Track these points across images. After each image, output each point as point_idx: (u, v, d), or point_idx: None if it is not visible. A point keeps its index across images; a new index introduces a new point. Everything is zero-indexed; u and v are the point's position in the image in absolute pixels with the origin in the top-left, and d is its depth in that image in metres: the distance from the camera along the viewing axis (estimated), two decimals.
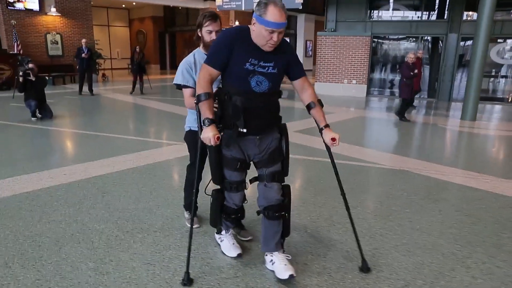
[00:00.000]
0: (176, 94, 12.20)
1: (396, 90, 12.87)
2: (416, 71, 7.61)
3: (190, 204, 2.55)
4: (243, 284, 2.21)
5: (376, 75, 13.04)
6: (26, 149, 5.25)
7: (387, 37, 12.51)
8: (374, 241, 2.78)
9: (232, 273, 2.32)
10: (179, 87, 2.50)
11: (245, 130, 2.04)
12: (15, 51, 12.51)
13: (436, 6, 11.68)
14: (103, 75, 16.05)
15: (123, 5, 21.11)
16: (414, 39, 12.06)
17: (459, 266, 2.48)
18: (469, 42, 10.99)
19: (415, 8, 11.95)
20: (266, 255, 2.34)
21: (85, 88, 10.89)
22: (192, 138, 2.64)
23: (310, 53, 22.94)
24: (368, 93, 12.13)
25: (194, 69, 2.45)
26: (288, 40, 2.18)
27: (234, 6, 12.37)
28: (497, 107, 10.71)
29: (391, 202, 3.53)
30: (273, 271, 2.27)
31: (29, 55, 12.36)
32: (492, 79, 12.03)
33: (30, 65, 7.31)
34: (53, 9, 13.62)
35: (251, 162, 2.28)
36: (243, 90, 2.02)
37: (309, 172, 4.33)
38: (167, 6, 20.02)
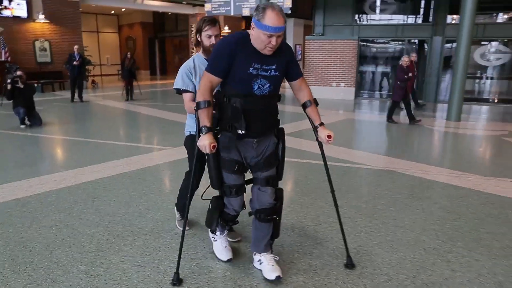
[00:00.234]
0: (167, 100, 12.24)
1: (384, 93, 13.10)
2: (410, 74, 7.69)
3: (183, 207, 2.62)
4: (231, 282, 2.28)
5: (364, 78, 13.25)
6: (15, 157, 5.24)
7: (375, 40, 12.71)
8: (359, 238, 2.87)
9: (221, 273, 2.38)
10: (179, 91, 2.51)
11: (243, 132, 2.05)
12: (3, 59, 12.43)
13: (421, 10, 11.93)
14: (93, 81, 16.01)
15: (112, 11, 21.11)
16: (401, 42, 12.29)
17: (440, 260, 2.58)
18: (454, 45, 11.25)
19: (401, 12, 12.20)
20: (255, 255, 2.41)
21: (76, 95, 10.86)
22: (192, 142, 2.59)
23: (300, 57, 23.14)
24: (357, 95, 12.31)
25: (194, 73, 2.47)
26: None
27: (223, 11, 12.47)
28: (482, 107, 10.96)
29: (376, 201, 3.63)
30: (260, 270, 2.34)
31: (17, 62, 12.28)
32: (477, 80, 12.31)
33: (18, 72, 7.30)
34: (41, 16, 13.58)
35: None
36: (244, 93, 2.03)
37: (296, 174, 4.42)
38: (156, 12, 20.09)
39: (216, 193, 2.41)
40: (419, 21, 11.95)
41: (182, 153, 5.16)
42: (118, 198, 3.58)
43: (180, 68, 2.51)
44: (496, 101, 11.74)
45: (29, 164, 4.81)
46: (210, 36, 2.44)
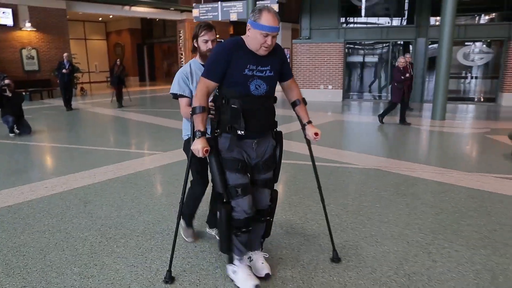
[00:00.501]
0: (156, 105, 12.28)
1: (371, 94, 13.33)
2: (407, 75, 7.78)
3: (188, 215, 2.74)
4: (221, 279, 2.36)
5: (352, 80, 13.47)
6: (5, 165, 5.25)
7: (362, 42, 12.94)
8: (344, 234, 2.98)
9: (212, 269, 2.46)
10: (175, 96, 2.52)
11: (243, 132, 2.08)
12: None
13: (405, 12, 12.21)
14: (82, 89, 15.95)
15: (100, 18, 21.06)
16: (386, 44, 12.54)
17: (422, 252, 2.70)
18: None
19: (386, 15, 12.47)
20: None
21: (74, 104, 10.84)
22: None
23: (288, 61, 23.39)
24: (344, 97, 12.51)
25: (190, 78, 2.48)
26: None
27: (211, 16, 12.57)
28: (466, 106, 11.24)
29: (362, 198, 3.75)
30: (250, 267, 2.42)
31: (4, 71, 12.17)
32: (461, 80, 12.61)
33: (6, 81, 7.29)
34: (28, 24, 13.52)
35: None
36: (242, 93, 2.08)
37: (286, 174, 4.51)
38: (144, 18, 20.12)
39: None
40: (403, 23, 12.22)
41: (172, 157, 5.26)
42: (110, 202, 3.63)
43: (177, 73, 2.53)
44: (479, 100, 12.03)
45: (19, 172, 4.83)
46: (207, 41, 2.47)
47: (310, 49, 12.15)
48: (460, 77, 12.39)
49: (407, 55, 8.53)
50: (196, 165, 2.55)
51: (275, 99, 2.29)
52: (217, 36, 2.59)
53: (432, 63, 11.75)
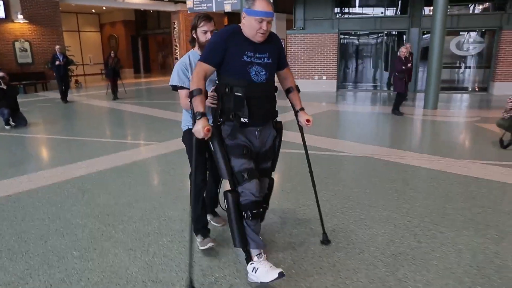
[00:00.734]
0: (151, 97, 12.30)
1: (365, 84, 13.42)
2: (409, 65, 7.74)
3: (199, 221, 2.55)
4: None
5: (346, 70, 13.55)
6: (2, 157, 5.31)
7: (357, 33, 12.97)
8: (335, 218, 3.10)
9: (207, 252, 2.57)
10: (175, 88, 2.50)
11: (247, 120, 2.11)
12: None
13: (399, 2, 12.24)
14: (76, 81, 15.90)
15: (93, 10, 20.88)
16: (380, 34, 12.59)
17: (408, 234, 2.83)
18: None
19: (379, 5, 12.49)
20: None
21: (59, 95, 10.83)
22: (192, 137, 2.44)
23: (284, 50, 23.39)
24: (339, 87, 12.60)
25: (189, 70, 2.47)
26: None
27: (205, 7, 12.56)
28: (458, 96, 11.36)
29: (353, 185, 3.87)
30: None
31: None
32: (454, 70, 12.71)
33: (1, 74, 7.30)
34: (20, 16, 13.41)
35: None
36: (244, 81, 2.11)
37: (279, 162, 4.60)
38: (138, 10, 19.98)
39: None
40: (397, 13, 12.27)
41: (167, 147, 5.35)
42: (107, 191, 3.73)
43: (176, 65, 2.53)
44: (471, 89, 12.17)
45: (17, 163, 4.89)
46: (206, 32, 2.46)
47: (304, 39, 12.19)
48: (453, 67, 12.50)
49: (407, 45, 8.42)
50: (193, 155, 2.47)
51: (276, 88, 2.34)
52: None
53: (426, 53, 11.84)
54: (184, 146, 2.66)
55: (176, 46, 18.88)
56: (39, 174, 4.30)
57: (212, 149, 2.19)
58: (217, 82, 2.27)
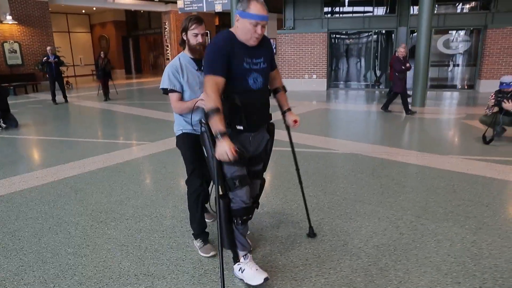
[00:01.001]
0: (143, 98, 12.32)
1: (355, 83, 13.59)
2: (408, 64, 7.78)
3: (199, 226, 2.58)
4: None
5: (335, 69, 13.70)
6: None
7: (347, 32, 13.12)
8: (321, 212, 3.21)
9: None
10: (166, 91, 2.44)
11: (242, 127, 2.08)
12: None
13: (387, 2, 12.42)
14: (67, 82, 15.82)
15: (83, 11, 20.79)
16: (369, 33, 12.76)
17: (391, 226, 2.95)
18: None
19: (368, 4, 12.66)
20: None
21: (57, 98, 10.81)
22: (186, 141, 2.51)
23: (275, 51, 23.51)
24: (329, 86, 12.75)
25: (180, 73, 2.42)
26: None
27: (196, 8, 12.61)
28: (446, 94, 11.58)
29: (339, 180, 3.99)
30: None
31: None
32: (441, 68, 12.94)
33: None
34: (9, 17, 13.33)
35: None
36: (242, 88, 2.07)
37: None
38: (128, 10, 19.93)
39: None
40: (385, 12, 12.45)
41: (159, 147, 5.42)
42: (100, 190, 3.79)
43: (166, 67, 2.46)
44: (459, 87, 12.40)
45: (9, 164, 4.92)
46: (196, 35, 2.41)
47: (294, 39, 12.31)
48: (440, 65, 12.72)
49: (403, 44, 8.39)
50: (190, 160, 2.51)
51: (269, 91, 2.37)
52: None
53: (413, 52, 12.03)
54: (178, 150, 2.62)
55: (167, 46, 18.89)
56: (31, 175, 4.35)
57: (206, 154, 2.18)
58: None
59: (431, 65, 12.18)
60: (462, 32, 11.94)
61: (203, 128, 2.12)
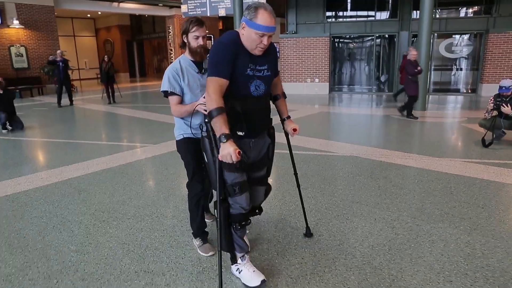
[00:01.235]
0: (147, 101, 12.45)
1: (357, 86, 13.65)
2: (419, 68, 7.78)
3: (199, 228, 2.63)
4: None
5: (337, 73, 13.77)
6: (0, 159, 5.44)
7: (349, 36, 13.21)
8: (318, 213, 3.27)
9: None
10: (166, 94, 2.42)
11: (243, 134, 2.05)
12: None
13: (389, 6, 12.50)
14: (72, 86, 16.01)
15: (88, 15, 21.05)
16: (371, 37, 12.84)
17: (387, 226, 3.00)
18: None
19: (370, 9, 12.74)
20: None
21: (63, 101, 10.95)
22: (187, 147, 2.50)
23: (278, 55, 23.61)
24: (331, 90, 12.82)
25: (181, 75, 2.40)
26: None
27: (200, 12, 12.77)
28: (448, 97, 11.61)
29: (337, 182, 4.05)
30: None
31: None
32: (444, 72, 12.96)
33: None
34: (16, 22, 13.56)
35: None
36: (243, 95, 2.03)
37: None
38: (133, 14, 20.16)
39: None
40: (387, 17, 12.53)
41: (162, 149, 5.51)
42: (103, 190, 3.88)
43: (166, 70, 2.44)
44: (461, 91, 12.42)
45: (14, 165, 5.03)
46: (197, 37, 2.38)
47: (296, 43, 12.41)
48: (442, 69, 12.75)
49: (411, 48, 8.29)
50: (190, 165, 2.52)
51: (271, 96, 2.37)
52: (206, 31, 2.58)
53: None
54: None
55: (171, 50, 19.08)
56: (36, 175, 4.45)
57: (206, 160, 2.16)
58: None
59: (433, 69, 12.25)
60: (464, 37, 11.98)
61: (204, 133, 2.12)
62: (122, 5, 17.01)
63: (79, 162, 4.96)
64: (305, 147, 5.40)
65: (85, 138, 6.68)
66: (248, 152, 2.17)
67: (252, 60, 2.03)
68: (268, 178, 2.41)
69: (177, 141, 2.56)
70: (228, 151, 1.86)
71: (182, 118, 2.48)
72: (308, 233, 2.87)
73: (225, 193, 2.14)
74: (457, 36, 12.04)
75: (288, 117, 2.47)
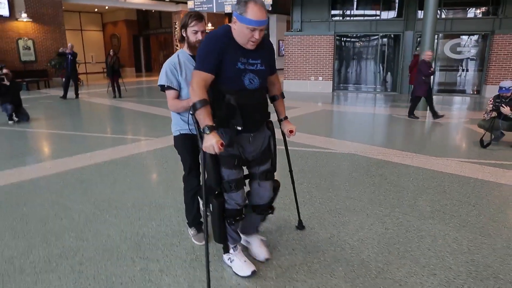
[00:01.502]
0: (152, 96, 12.57)
1: (361, 85, 13.66)
2: (432, 69, 7.72)
3: (194, 219, 2.70)
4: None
5: (342, 72, 13.78)
6: (5, 149, 5.58)
7: (354, 35, 13.21)
8: (312, 207, 3.35)
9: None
10: (163, 88, 2.43)
11: (240, 128, 2.04)
12: None
13: (395, 6, 12.48)
14: (78, 79, 16.18)
15: (96, 9, 21.21)
16: (375, 36, 12.83)
17: (378, 222, 3.08)
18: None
19: (375, 8, 12.73)
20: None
21: (69, 94, 11.09)
22: (184, 143, 2.53)
23: (283, 53, 23.56)
24: (334, 88, 12.85)
25: (179, 70, 2.39)
26: None
27: (206, 8, 12.84)
28: (453, 98, 11.60)
29: (334, 178, 4.12)
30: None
31: (1, 61, 12.44)
32: (449, 73, 12.92)
33: (4, 70, 7.60)
34: (24, 15, 13.73)
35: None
36: (237, 88, 2.02)
37: None
38: (140, 9, 20.29)
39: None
40: (392, 16, 12.51)
41: (164, 142, 5.62)
42: (104, 180, 3.99)
43: (164, 64, 2.43)
44: (465, 92, 12.39)
45: (19, 155, 5.16)
46: (196, 32, 2.36)
47: (301, 41, 12.44)
48: (447, 70, 12.72)
49: (418, 49, 8.25)
50: (187, 160, 2.55)
51: (266, 89, 2.34)
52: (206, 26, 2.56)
53: None
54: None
55: (177, 45, 19.18)
56: (40, 165, 4.57)
57: (202, 157, 2.11)
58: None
59: (438, 70, 12.22)
60: (470, 37, 11.94)
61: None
62: (129, 0, 17.13)
63: (82, 153, 5.08)
64: (304, 144, 5.47)
65: (89, 131, 6.81)
66: (248, 147, 2.17)
67: (244, 54, 2.02)
68: (274, 173, 2.38)
69: (174, 137, 2.60)
70: (211, 143, 1.87)
71: (178, 114, 2.50)
72: (300, 226, 2.95)
73: (221, 188, 2.16)
74: (463, 37, 12.00)
75: (286, 117, 2.46)
